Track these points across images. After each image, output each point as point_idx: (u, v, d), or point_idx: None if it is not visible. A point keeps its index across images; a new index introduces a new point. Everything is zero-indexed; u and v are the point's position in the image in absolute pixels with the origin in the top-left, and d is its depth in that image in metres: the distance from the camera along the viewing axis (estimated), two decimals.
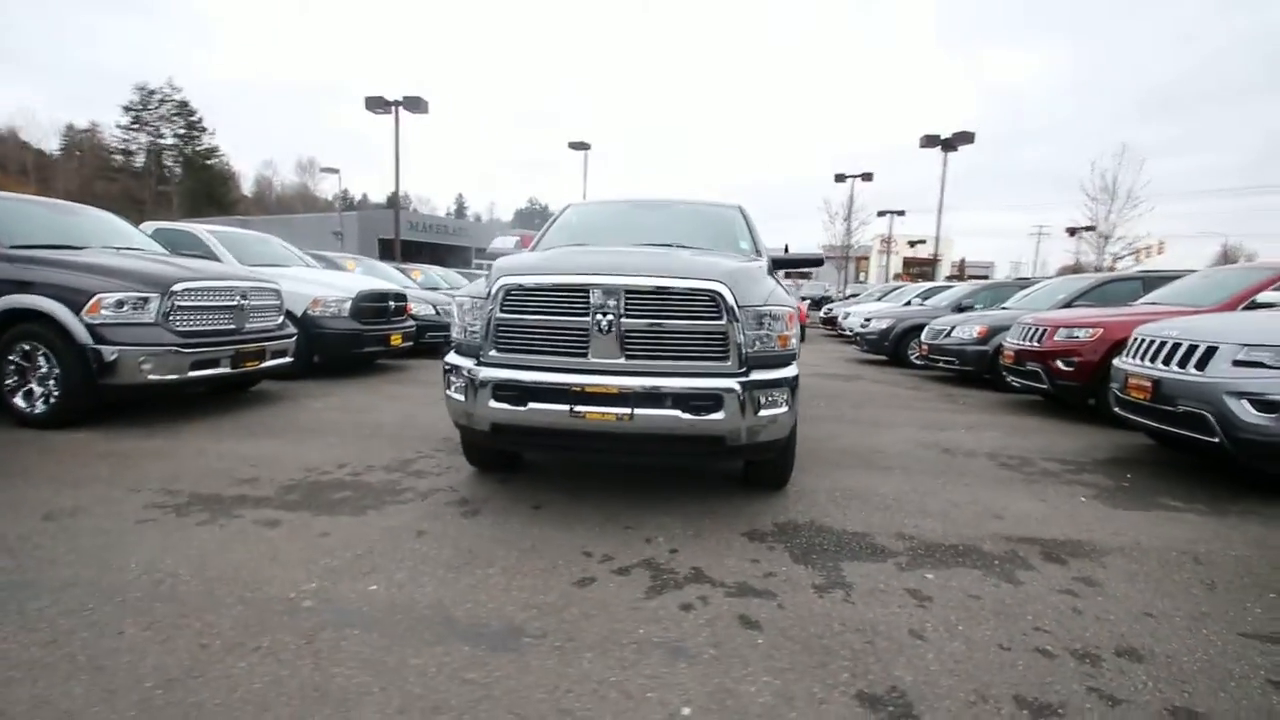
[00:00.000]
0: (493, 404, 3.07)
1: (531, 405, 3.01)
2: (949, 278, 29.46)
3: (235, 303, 5.39)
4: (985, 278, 36.23)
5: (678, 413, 2.94)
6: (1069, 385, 6.23)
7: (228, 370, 5.26)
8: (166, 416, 5.07)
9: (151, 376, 4.68)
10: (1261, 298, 5.45)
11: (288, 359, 6.07)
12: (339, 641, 2.04)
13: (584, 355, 3.04)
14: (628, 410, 2.93)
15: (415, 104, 21.02)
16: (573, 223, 4.72)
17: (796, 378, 3.17)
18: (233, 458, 4.05)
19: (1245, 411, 3.71)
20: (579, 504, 3.38)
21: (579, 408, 2.95)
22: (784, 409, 3.11)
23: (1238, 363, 3.83)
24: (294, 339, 6.15)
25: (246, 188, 72.55)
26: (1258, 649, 2.15)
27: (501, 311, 3.12)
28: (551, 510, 3.28)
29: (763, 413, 3.02)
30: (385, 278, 10.38)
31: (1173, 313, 5.66)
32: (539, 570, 2.60)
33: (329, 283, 7.64)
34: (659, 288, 2.99)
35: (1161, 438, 4.97)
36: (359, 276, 9.05)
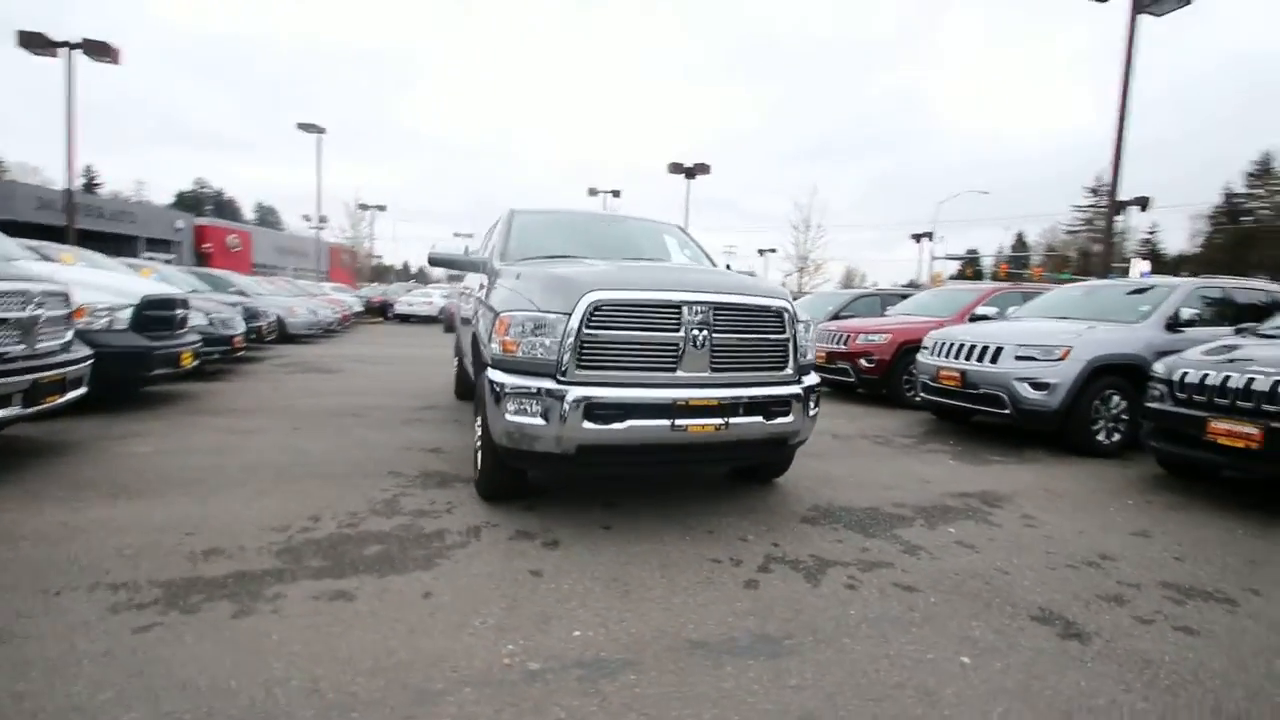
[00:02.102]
0: (586, 425, 2.94)
1: (630, 423, 2.98)
2: None
3: (27, 314, 3.79)
4: None
5: (759, 419, 3.23)
6: (870, 379, 8.03)
7: (19, 411, 3.69)
8: None
9: None
10: (979, 310, 7.83)
11: (83, 389, 4.44)
12: (630, 689, 1.90)
13: (673, 370, 3.11)
14: (723, 420, 3.11)
15: (100, 49, 15.41)
16: (537, 232, 4.50)
17: (821, 382, 3.71)
18: (136, 529, 2.97)
19: (1027, 391, 5.45)
20: (639, 519, 3.39)
21: (680, 421, 3.03)
22: (818, 408, 3.62)
23: (1018, 357, 5.60)
24: (90, 363, 4.52)
25: None
26: (1146, 540, 3.39)
27: (588, 327, 3.00)
28: (622, 530, 3.24)
29: (812, 412, 3.48)
30: (120, 275, 7.92)
31: (931, 322, 7.78)
32: (697, 584, 2.65)
33: (96, 284, 5.68)
34: (746, 305, 3.23)
35: (940, 413, 6.83)
36: (130, 278, 6.84)
